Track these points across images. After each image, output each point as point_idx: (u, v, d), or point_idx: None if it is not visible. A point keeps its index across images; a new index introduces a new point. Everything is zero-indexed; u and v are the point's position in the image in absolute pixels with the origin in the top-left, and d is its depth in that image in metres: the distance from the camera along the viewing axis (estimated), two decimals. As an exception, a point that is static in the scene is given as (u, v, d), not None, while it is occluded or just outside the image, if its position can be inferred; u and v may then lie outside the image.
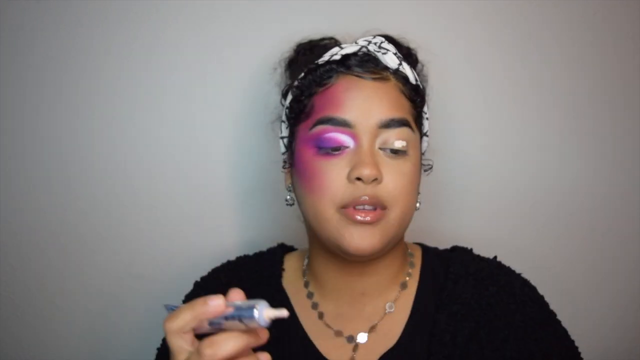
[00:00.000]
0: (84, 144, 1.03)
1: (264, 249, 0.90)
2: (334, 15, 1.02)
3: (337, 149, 0.72)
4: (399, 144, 0.73)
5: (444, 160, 1.05)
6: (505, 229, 1.12)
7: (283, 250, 0.89)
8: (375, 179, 0.70)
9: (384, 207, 0.71)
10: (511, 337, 0.74)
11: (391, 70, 0.76)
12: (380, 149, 0.73)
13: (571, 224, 1.13)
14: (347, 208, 0.71)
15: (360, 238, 0.70)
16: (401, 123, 0.73)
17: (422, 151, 0.81)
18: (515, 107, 1.10)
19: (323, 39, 0.86)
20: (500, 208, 1.12)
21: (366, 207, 0.70)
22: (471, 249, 0.84)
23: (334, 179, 0.71)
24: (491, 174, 1.11)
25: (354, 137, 0.72)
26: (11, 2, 0.99)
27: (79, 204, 1.04)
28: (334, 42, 0.85)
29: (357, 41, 0.78)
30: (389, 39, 0.82)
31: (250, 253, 0.90)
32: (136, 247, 1.06)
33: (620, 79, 1.12)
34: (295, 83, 0.79)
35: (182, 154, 1.05)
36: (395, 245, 0.77)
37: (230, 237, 1.07)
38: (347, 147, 0.72)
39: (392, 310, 0.78)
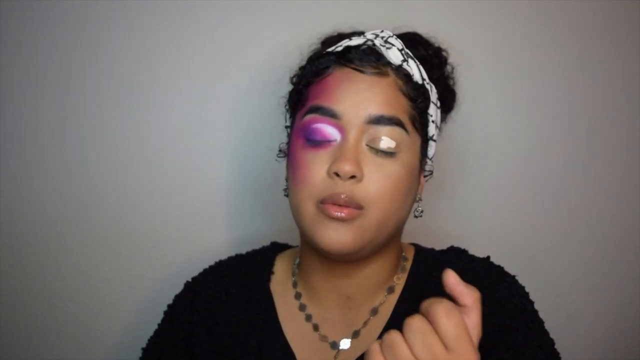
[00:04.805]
0: (81, 144, 1.04)
1: (259, 247, 0.90)
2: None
3: (323, 141, 0.70)
4: (385, 144, 0.69)
5: (448, 159, 1.05)
6: (510, 228, 1.12)
7: (276, 249, 0.88)
8: (354, 177, 0.68)
9: (360, 207, 0.68)
10: (481, 340, 0.70)
11: (393, 66, 0.73)
12: (367, 146, 0.69)
13: (574, 224, 1.13)
14: (324, 203, 0.68)
15: (333, 235, 0.68)
16: (392, 121, 0.69)
17: (429, 157, 0.78)
18: (521, 105, 1.10)
19: (353, 33, 0.83)
20: (507, 207, 1.12)
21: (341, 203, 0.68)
22: (465, 250, 0.82)
23: (315, 172, 0.69)
24: (496, 173, 1.11)
25: (341, 130, 0.70)
26: (4, 1, 0.99)
27: (78, 204, 1.04)
28: None
29: (366, 34, 0.77)
30: (412, 37, 0.80)
31: (244, 252, 0.89)
32: (135, 247, 1.06)
33: (622, 79, 1.12)
34: (297, 72, 0.78)
35: (179, 153, 1.06)
36: (382, 249, 0.74)
37: (228, 235, 1.07)
38: (333, 140, 0.70)
39: (373, 316, 0.76)
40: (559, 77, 1.10)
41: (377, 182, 0.68)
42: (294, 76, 0.79)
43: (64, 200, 1.04)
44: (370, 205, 0.68)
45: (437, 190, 1.09)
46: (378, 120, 0.69)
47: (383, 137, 0.69)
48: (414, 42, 0.80)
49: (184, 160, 1.05)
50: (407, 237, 0.86)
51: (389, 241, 0.75)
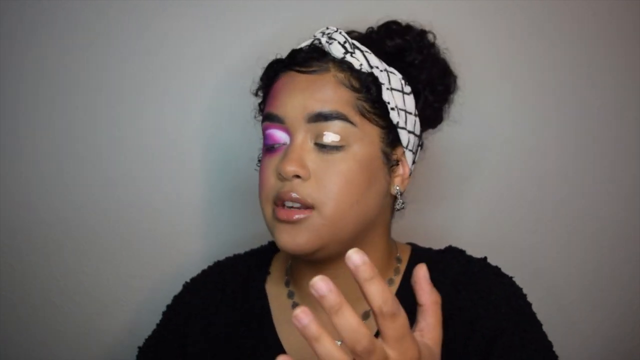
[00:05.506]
0: (81, 145, 1.04)
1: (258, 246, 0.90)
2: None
3: (275, 146, 0.72)
4: (329, 139, 0.69)
5: (443, 156, 1.05)
6: (505, 228, 1.11)
7: (274, 248, 0.87)
8: (298, 176, 0.68)
9: (310, 207, 0.68)
10: (476, 343, 0.70)
11: (337, 61, 0.72)
12: (315, 144, 0.70)
13: (574, 224, 1.12)
14: (277, 205, 0.70)
15: (286, 237, 0.69)
16: (332, 116, 0.69)
17: (405, 145, 0.75)
18: (521, 106, 1.10)
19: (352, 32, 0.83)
20: (506, 207, 1.11)
21: (294, 204, 0.68)
22: (463, 250, 0.81)
23: (268, 176, 0.72)
24: (496, 173, 1.10)
25: (288, 132, 0.71)
26: (6, 1, 1.00)
27: (78, 204, 1.04)
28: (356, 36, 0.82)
29: (315, 34, 0.77)
30: (388, 26, 0.80)
31: (243, 252, 0.89)
32: (136, 247, 1.06)
33: (622, 80, 1.11)
34: (259, 84, 0.80)
35: (179, 154, 1.06)
36: (359, 247, 0.71)
37: (228, 236, 1.07)
38: (284, 143, 0.72)
39: (366, 320, 0.73)
40: (558, 78, 1.10)
41: (325, 179, 0.68)
42: (257, 89, 0.80)
43: (63, 200, 1.04)
44: (320, 203, 0.68)
45: (435, 190, 1.08)
46: (317, 118, 0.69)
47: (325, 133, 0.69)
48: (389, 32, 0.80)
49: (184, 160, 1.06)
50: (405, 236, 0.86)
51: (363, 238, 0.73)
